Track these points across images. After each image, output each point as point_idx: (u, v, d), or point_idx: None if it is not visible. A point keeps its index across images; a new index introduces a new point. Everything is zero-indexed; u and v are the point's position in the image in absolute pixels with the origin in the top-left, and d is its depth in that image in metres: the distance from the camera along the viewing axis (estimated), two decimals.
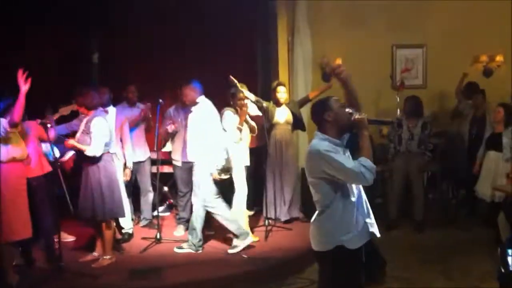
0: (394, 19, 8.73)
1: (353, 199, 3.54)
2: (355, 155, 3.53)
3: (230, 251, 6.23)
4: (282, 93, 7.35)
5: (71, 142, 5.68)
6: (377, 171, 7.75)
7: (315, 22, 8.57)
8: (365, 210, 3.64)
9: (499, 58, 8.96)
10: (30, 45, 7.97)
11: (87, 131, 5.64)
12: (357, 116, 3.50)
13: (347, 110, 3.55)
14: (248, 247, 6.27)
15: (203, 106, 6.31)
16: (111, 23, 8.44)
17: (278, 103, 7.33)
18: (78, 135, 5.77)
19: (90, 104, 5.72)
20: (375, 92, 8.63)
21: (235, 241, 6.25)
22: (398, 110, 8.17)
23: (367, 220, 3.61)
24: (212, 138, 6.19)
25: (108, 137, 5.75)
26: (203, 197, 6.17)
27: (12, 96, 5.25)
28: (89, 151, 5.59)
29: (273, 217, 7.27)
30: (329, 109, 3.53)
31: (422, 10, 8.74)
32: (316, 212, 3.63)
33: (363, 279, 3.67)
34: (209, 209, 6.19)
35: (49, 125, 5.62)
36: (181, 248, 6.32)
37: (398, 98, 8.28)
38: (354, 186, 3.56)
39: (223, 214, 6.22)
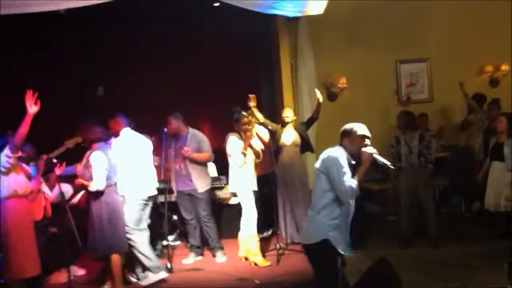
0: (396, 34, 8.73)
1: (344, 209, 4.18)
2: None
3: (142, 282, 6.15)
4: (287, 112, 7.34)
5: (79, 180, 5.73)
6: (384, 188, 7.74)
7: (317, 43, 8.60)
8: (348, 226, 4.29)
9: (504, 67, 8.91)
10: (33, 78, 8.04)
11: (87, 165, 5.65)
12: (365, 150, 4.12)
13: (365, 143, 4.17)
14: (260, 270, 6.25)
15: (123, 138, 6.32)
16: (116, 57, 8.50)
17: (283, 124, 7.31)
18: (80, 168, 5.79)
19: (91, 138, 5.74)
20: (382, 109, 8.60)
21: (147, 272, 6.13)
22: None
23: (347, 238, 4.27)
24: (134, 167, 6.18)
25: (109, 171, 5.73)
26: (126, 224, 6.05)
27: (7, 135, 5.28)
28: (92, 186, 5.61)
29: (288, 240, 7.20)
30: (349, 136, 4.22)
31: (423, 24, 8.75)
32: (310, 211, 4.27)
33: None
34: (128, 237, 6.04)
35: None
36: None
37: None
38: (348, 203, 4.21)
39: (138, 247, 6.08)
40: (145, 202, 6.24)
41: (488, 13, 8.69)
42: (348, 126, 4.31)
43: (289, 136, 7.31)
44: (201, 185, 6.86)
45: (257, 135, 6.85)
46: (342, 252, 4.21)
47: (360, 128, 4.25)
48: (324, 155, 4.23)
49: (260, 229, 7.19)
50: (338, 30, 8.70)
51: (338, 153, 4.16)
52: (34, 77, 7.72)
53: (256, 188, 6.83)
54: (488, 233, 7.36)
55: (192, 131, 6.96)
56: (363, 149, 4.15)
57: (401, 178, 7.27)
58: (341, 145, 4.27)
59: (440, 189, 8.25)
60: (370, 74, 8.71)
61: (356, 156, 4.21)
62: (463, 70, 8.70)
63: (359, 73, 8.69)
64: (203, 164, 6.99)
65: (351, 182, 4.07)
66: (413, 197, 7.15)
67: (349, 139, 4.22)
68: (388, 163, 4.22)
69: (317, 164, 4.26)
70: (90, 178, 5.62)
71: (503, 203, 6.60)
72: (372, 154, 4.12)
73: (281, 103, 8.42)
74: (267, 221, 7.56)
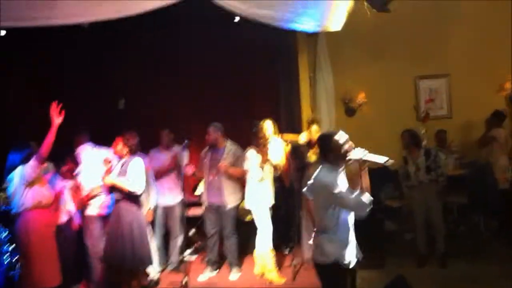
0: (415, 49, 8.71)
1: (350, 224, 4.27)
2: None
3: None
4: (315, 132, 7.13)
5: (110, 180, 5.70)
6: (401, 206, 7.67)
7: (336, 57, 8.59)
8: (353, 239, 4.33)
9: None
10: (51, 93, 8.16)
11: (123, 174, 5.68)
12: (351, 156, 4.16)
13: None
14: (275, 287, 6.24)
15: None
16: (138, 71, 8.58)
17: (311, 145, 7.12)
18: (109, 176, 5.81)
19: (134, 147, 5.81)
20: (401, 125, 8.53)
21: None
22: (424, 141, 8.04)
23: (356, 249, 4.34)
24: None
25: (145, 179, 5.79)
26: None
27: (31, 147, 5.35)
28: (130, 186, 5.61)
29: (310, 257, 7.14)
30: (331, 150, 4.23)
31: (443, 39, 8.71)
32: (317, 230, 4.31)
33: None
34: None
35: None
36: None
37: (424, 130, 8.17)
38: (351, 216, 4.26)
39: None
40: None
41: (508, 29, 8.62)
42: (322, 134, 4.46)
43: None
44: (231, 200, 6.83)
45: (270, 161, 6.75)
46: (352, 265, 4.27)
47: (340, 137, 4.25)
48: (314, 181, 4.29)
49: (280, 246, 7.21)
50: (357, 45, 8.70)
51: (324, 178, 4.17)
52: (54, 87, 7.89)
53: (273, 203, 6.80)
54: (508, 252, 7.26)
55: (230, 144, 6.92)
56: (349, 157, 4.16)
57: (414, 196, 7.25)
58: (321, 158, 4.32)
59: (458, 207, 8.15)
60: (389, 90, 8.69)
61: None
62: (484, 86, 8.62)
63: (378, 89, 8.68)
64: (236, 179, 6.90)
65: (357, 195, 4.09)
66: (426, 213, 7.11)
67: (329, 147, 4.23)
68: (384, 159, 4.15)
69: (314, 188, 4.34)
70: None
71: None
72: (360, 158, 4.11)
73: (299, 117, 8.41)
74: (287, 237, 7.53)
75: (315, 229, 4.39)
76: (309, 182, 4.43)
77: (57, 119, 5.14)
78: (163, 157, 7.07)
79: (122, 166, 5.78)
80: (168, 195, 7.05)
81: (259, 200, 6.66)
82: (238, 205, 6.97)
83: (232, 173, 6.78)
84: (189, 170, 6.90)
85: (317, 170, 4.30)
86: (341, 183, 4.20)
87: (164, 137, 7.17)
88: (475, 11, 8.61)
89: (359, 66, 8.68)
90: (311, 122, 7.28)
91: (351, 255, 4.27)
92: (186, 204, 7.14)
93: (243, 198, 6.86)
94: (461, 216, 8.20)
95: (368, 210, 4.11)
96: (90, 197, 6.17)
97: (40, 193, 5.35)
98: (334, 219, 4.19)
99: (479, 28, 8.67)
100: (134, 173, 5.68)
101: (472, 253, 7.34)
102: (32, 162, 5.20)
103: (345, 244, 4.23)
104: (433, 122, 8.40)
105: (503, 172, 8.00)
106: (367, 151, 4.17)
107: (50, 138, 5.11)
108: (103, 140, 6.30)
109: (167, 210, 7.08)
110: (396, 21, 8.21)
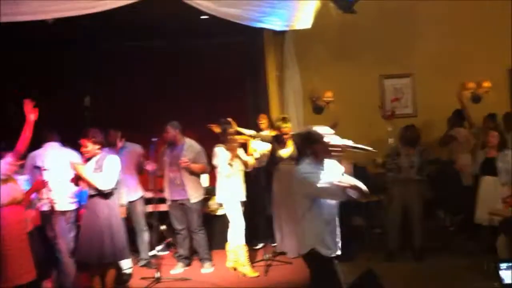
0: (380, 49, 8.87)
1: (325, 216, 4.19)
2: None
3: None
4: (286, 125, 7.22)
5: (83, 173, 5.61)
6: (376, 201, 7.76)
7: (304, 56, 8.70)
8: (335, 230, 4.28)
9: (486, 84, 9.08)
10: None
11: (99, 170, 5.64)
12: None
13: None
14: (248, 280, 6.34)
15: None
16: (104, 67, 8.51)
17: (280, 141, 7.21)
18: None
19: (102, 143, 5.77)
20: (366, 122, 8.70)
21: None
22: (389, 140, 8.19)
23: (336, 239, 4.29)
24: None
25: (118, 176, 5.78)
26: None
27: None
28: (102, 185, 5.58)
29: (291, 255, 7.14)
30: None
31: (407, 39, 8.90)
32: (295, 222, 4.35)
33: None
34: None
35: None
36: None
37: (390, 128, 8.31)
38: (327, 206, 4.19)
39: None
40: None
41: (471, 31, 8.89)
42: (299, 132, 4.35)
43: (287, 149, 7.21)
44: (194, 195, 6.90)
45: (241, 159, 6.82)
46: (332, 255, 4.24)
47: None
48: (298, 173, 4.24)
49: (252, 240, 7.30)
50: (323, 45, 8.82)
51: (307, 169, 4.15)
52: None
53: (244, 199, 6.85)
54: (473, 247, 7.42)
55: (188, 141, 7.00)
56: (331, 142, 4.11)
57: (395, 190, 7.32)
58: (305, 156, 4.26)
59: (424, 203, 8.32)
60: (355, 88, 8.82)
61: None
62: (447, 85, 8.84)
63: (345, 87, 8.80)
64: (197, 174, 7.02)
65: (328, 179, 4.04)
66: (405, 209, 7.23)
67: (305, 144, 4.25)
68: (365, 147, 4.17)
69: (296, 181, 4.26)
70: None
71: (496, 218, 6.60)
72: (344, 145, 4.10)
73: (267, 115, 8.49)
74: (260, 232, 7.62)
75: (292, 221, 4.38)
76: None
77: (31, 115, 5.19)
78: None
79: (97, 162, 5.72)
80: (128, 191, 7.01)
81: (230, 195, 6.73)
82: (202, 200, 7.07)
83: (195, 169, 6.85)
84: (150, 167, 6.90)
85: (300, 165, 4.26)
86: (326, 175, 4.12)
87: (112, 135, 7.14)
88: (439, 12, 8.82)
89: (326, 65, 8.80)
90: (282, 120, 7.30)
91: (331, 245, 4.24)
92: (147, 200, 7.15)
93: (208, 194, 7.01)
94: (426, 212, 8.37)
95: (341, 194, 4.07)
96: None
97: (14, 190, 5.29)
98: (307, 207, 4.19)
99: (443, 29, 8.90)
100: (109, 170, 5.66)
101: (438, 248, 7.51)
102: (8, 159, 5.17)
103: (322, 233, 4.20)
104: (398, 120, 8.55)
105: (464, 170, 8.18)
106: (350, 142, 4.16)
107: (27, 134, 5.19)
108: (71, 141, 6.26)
109: (129, 206, 7.04)
110: (362, 21, 8.34)
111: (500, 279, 2.96)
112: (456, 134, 8.34)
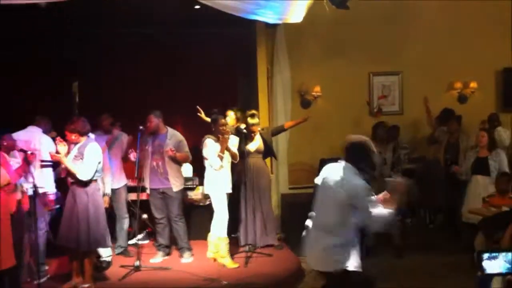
0: (370, 46, 8.88)
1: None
2: None
3: None
4: (253, 120, 7.34)
5: (63, 159, 5.63)
6: None
7: (294, 51, 8.70)
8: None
9: (473, 84, 9.16)
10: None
11: (80, 157, 5.65)
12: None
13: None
14: (227, 271, 6.38)
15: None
16: (92, 56, 8.47)
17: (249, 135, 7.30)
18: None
19: (83, 130, 5.76)
20: (353, 119, 8.75)
21: None
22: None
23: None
24: None
25: (100, 164, 5.81)
26: None
27: None
28: (81, 174, 5.60)
29: (251, 243, 7.24)
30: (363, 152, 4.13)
31: (397, 38, 8.93)
32: (325, 238, 4.00)
33: None
34: None
35: None
36: None
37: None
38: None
39: None
40: None
41: (460, 32, 8.95)
42: (356, 140, 4.11)
43: (254, 143, 7.36)
44: (176, 185, 6.91)
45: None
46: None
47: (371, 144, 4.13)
48: (343, 180, 3.98)
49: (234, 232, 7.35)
50: (314, 40, 8.81)
51: (357, 180, 3.95)
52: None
53: (230, 191, 6.88)
54: (452, 245, 7.51)
55: (171, 130, 7.01)
56: (394, 179, 4.17)
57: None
58: (349, 161, 4.05)
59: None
60: (344, 84, 8.86)
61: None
62: (434, 85, 8.92)
63: (333, 83, 8.83)
64: (179, 163, 7.04)
65: (381, 211, 3.90)
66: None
67: (363, 155, 4.05)
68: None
69: (336, 188, 4.00)
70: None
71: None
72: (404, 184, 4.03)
73: (256, 108, 8.49)
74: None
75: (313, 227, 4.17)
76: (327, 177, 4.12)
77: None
78: (103, 141, 6.99)
79: (79, 149, 5.74)
80: (112, 178, 7.03)
81: (217, 187, 6.74)
82: (182, 189, 7.09)
83: (179, 158, 6.87)
84: (132, 156, 6.91)
85: (342, 169, 4.04)
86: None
87: (103, 120, 7.17)
88: (429, 12, 8.82)
89: (315, 60, 8.80)
90: (251, 116, 7.36)
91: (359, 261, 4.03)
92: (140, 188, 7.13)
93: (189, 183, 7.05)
94: (407, 210, 8.45)
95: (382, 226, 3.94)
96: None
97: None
98: (349, 227, 3.96)
99: (432, 29, 8.95)
100: (89, 160, 5.68)
101: (418, 245, 7.59)
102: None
103: (354, 252, 4.00)
104: (385, 117, 8.62)
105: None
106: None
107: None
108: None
109: (113, 193, 7.04)
110: (353, 18, 8.34)
111: (482, 269, 3.08)
112: (436, 136, 8.39)
